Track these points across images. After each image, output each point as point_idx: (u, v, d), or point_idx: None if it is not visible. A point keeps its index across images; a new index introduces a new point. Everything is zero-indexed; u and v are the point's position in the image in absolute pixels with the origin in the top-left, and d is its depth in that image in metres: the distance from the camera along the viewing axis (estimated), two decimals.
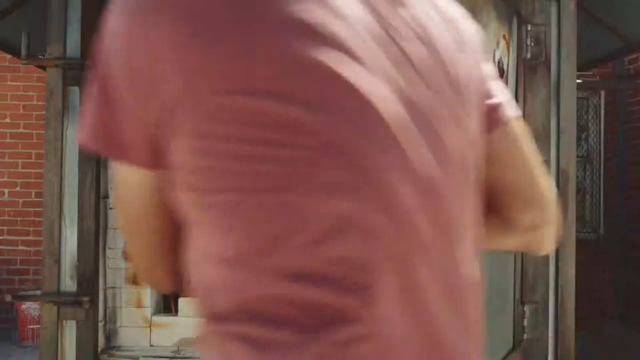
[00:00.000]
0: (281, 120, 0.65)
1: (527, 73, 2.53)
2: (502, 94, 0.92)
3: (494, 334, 2.36)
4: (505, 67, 2.40)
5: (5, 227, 6.27)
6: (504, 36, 2.37)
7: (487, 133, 0.88)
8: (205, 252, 0.71)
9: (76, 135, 2.30)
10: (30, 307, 5.87)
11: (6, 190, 6.25)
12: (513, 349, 2.46)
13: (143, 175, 0.74)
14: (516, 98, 2.49)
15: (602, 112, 6.80)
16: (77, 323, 2.60)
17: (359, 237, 0.68)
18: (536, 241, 0.98)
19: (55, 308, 2.55)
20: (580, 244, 2.81)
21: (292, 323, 0.67)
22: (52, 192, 2.61)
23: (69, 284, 2.58)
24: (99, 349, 2.70)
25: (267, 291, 0.67)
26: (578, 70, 2.70)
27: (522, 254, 2.49)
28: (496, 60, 2.32)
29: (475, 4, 2.12)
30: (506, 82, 2.41)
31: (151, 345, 2.84)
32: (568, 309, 2.58)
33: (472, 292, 0.80)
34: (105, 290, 2.78)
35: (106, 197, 2.74)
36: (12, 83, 6.36)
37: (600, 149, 6.82)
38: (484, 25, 2.19)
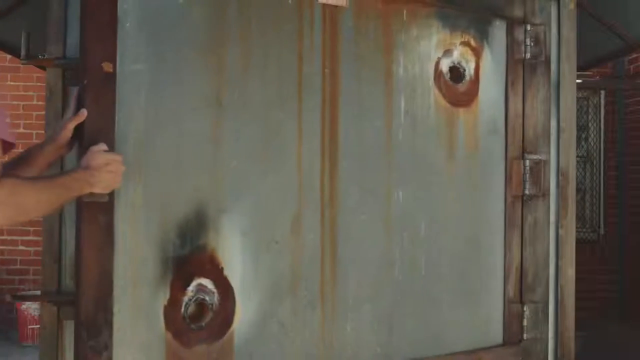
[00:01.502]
0: None
1: (527, 73, 2.53)
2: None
3: (462, 324, 2.38)
4: (470, 72, 2.43)
5: (5, 227, 6.27)
6: (464, 43, 2.41)
7: None
8: None
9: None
10: (30, 307, 5.87)
11: None
12: (503, 345, 2.47)
13: None
14: (506, 98, 2.49)
15: (602, 112, 6.79)
16: None
17: None
18: None
19: (55, 308, 2.55)
20: (580, 243, 2.81)
21: None
22: None
23: (69, 284, 2.58)
24: None
25: None
26: (578, 70, 2.70)
27: (521, 253, 2.49)
28: (445, 66, 2.37)
29: (396, 20, 2.24)
30: (476, 86, 2.44)
31: None
32: (568, 309, 2.58)
33: None
34: None
35: None
36: (12, 83, 6.36)
37: (600, 149, 6.81)
38: (416, 38, 2.30)
